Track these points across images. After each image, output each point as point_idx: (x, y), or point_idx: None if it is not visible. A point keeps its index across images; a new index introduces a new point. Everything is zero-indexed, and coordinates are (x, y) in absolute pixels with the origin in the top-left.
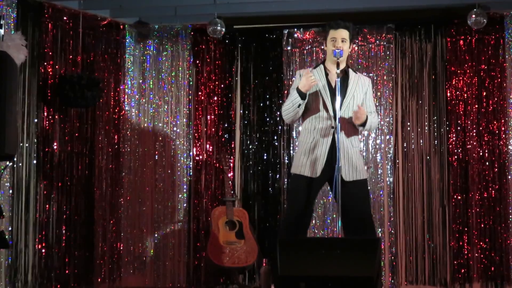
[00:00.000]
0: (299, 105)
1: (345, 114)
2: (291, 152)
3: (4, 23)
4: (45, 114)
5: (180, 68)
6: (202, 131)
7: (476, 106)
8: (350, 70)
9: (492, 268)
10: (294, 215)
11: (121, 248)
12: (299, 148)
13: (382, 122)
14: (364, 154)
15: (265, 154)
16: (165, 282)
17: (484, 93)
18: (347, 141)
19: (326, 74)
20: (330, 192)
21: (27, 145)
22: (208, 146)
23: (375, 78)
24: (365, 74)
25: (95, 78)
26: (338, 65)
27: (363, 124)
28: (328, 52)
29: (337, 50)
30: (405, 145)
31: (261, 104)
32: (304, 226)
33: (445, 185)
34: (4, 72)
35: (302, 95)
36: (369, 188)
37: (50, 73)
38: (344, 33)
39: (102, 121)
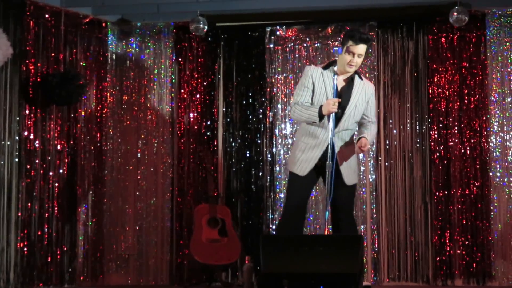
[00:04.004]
0: (313, 122)
1: (346, 122)
2: (274, 150)
3: None
4: (27, 112)
5: (162, 66)
6: (184, 129)
7: (458, 103)
8: (356, 77)
9: (474, 265)
10: (291, 211)
11: (104, 246)
12: (296, 145)
13: None
14: None
15: (248, 152)
16: (148, 280)
17: (466, 91)
18: (344, 147)
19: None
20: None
21: (8, 143)
22: (191, 144)
23: None
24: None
25: (77, 75)
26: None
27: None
28: (341, 60)
29: (336, 48)
30: (387, 142)
31: (244, 102)
32: (301, 222)
33: (427, 182)
34: None
35: (321, 117)
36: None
37: (32, 71)
38: (362, 49)
39: (84, 119)
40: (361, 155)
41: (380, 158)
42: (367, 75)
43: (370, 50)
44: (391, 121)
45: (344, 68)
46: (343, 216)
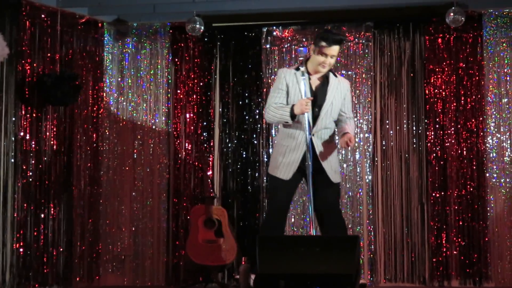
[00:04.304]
0: (286, 121)
1: (323, 120)
2: (270, 150)
3: None
4: (23, 112)
5: (159, 66)
6: (181, 129)
7: (454, 104)
8: (331, 74)
9: (471, 265)
10: (275, 215)
11: (100, 247)
12: (276, 149)
13: (361, 120)
14: (343, 152)
15: (244, 153)
16: (144, 281)
17: (462, 91)
18: (325, 146)
19: (308, 79)
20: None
21: (4, 143)
22: (187, 144)
23: (353, 76)
24: (344, 73)
25: (73, 76)
26: (299, 67)
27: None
28: (314, 61)
29: (301, 49)
30: (383, 143)
31: (240, 102)
32: (284, 224)
33: (423, 183)
34: None
35: (293, 117)
36: (347, 186)
37: (28, 71)
38: (335, 50)
39: (80, 120)
40: (357, 155)
41: (376, 158)
42: (363, 75)
43: (366, 51)
44: (387, 121)
45: (317, 69)
46: (334, 219)
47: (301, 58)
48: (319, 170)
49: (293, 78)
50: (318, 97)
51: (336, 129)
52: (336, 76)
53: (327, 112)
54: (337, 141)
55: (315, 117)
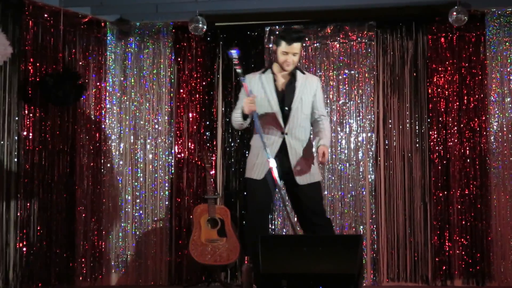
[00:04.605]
0: (241, 123)
1: (295, 118)
2: None
3: None
4: (26, 112)
5: (161, 66)
6: (183, 128)
7: (457, 103)
8: (298, 72)
9: (473, 265)
10: (256, 217)
11: (103, 246)
12: (251, 152)
13: (363, 120)
14: (346, 151)
15: (247, 152)
16: (146, 281)
17: (465, 91)
18: (299, 145)
19: (274, 80)
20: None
21: (8, 143)
22: (190, 144)
23: (356, 75)
24: (347, 72)
25: (76, 76)
26: (236, 65)
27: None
28: (277, 61)
29: (232, 51)
30: (386, 142)
31: None
32: (266, 225)
33: (426, 182)
34: None
35: (244, 116)
36: (349, 186)
37: (31, 71)
38: (296, 48)
39: (83, 119)
40: (360, 154)
41: (379, 158)
42: (366, 75)
43: (369, 50)
44: (390, 121)
45: (281, 69)
46: (316, 220)
47: (235, 61)
48: (288, 170)
49: (257, 82)
50: (286, 96)
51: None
52: (304, 73)
53: (298, 109)
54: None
55: (286, 115)
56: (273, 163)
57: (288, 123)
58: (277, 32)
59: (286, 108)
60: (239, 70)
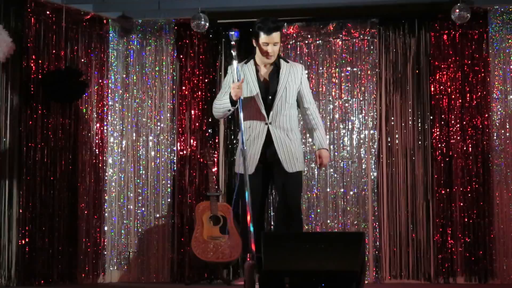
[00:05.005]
0: (229, 109)
1: (278, 107)
2: None
3: None
4: (28, 109)
5: (163, 63)
6: (186, 126)
7: (460, 100)
8: (282, 61)
9: (476, 262)
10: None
11: (105, 243)
12: (239, 146)
13: (366, 117)
14: (348, 148)
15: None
16: (149, 277)
17: (468, 88)
18: (283, 134)
19: (257, 71)
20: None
21: (10, 140)
22: (192, 141)
23: (359, 72)
24: (349, 69)
25: (78, 73)
26: (233, 47)
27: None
28: (258, 53)
29: (232, 32)
30: (389, 139)
31: None
32: (262, 222)
33: (429, 180)
34: None
35: (232, 102)
36: (352, 183)
37: (33, 68)
38: (276, 37)
39: (85, 116)
40: (362, 152)
41: (381, 155)
42: (368, 72)
43: (372, 47)
44: (392, 118)
45: (263, 59)
46: (293, 213)
47: (233, 42)
48: (276, 159)
49: (240, 72)
50: (270, 85)
51: (297, 115)
52: (287, 61)
53: (281, 97)
54: (300, 128)
55: (269, 105)
56: (244, 151)
57: (271, 113)
58: (255, 24)
59: (270, 97)
60: (233, 53)
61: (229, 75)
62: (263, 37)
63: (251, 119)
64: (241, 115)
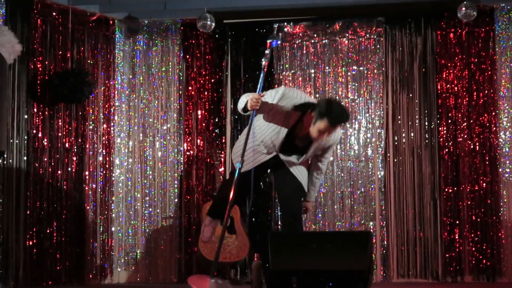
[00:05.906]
0: (242, 113)
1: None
2: None
3: None
4: (35, 110)
5: (170, 63)
6: (192, 126)
7: (467, 99)
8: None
9: (484, 261)
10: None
11: (112, 244)
12: (242, 137)
13: (372, 116)
14: (355, 147)
15: None
16: (156, 278)
17: (475, 86)
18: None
19: (295, 135)
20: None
21: (17, 141)
22: (199, 141)
23: (365, 71)
24: (356, 69)
25: (85, 73)
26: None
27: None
28: (311, 131)
29: (274, 41)
30: (396, 138)
31: None
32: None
33: (436, 178)
34: None
35: (245, 110)
36: (359, 182)
37: (40, 69)
38: (336, 129)
39: (92, 117)
40: (369, 151)
41: (388, 154)
42: (375, 71)
43: (378, 46)
44: (399, 117)
45: (311, 132)
46: (288, 209)
47: (267, 51)
48: (279, 162)
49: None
50: (297, 140)
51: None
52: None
53: (304, 158)
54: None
55: (286, 152)
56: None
57: (284, 153)
58: (327, 102)
59: (289, 152)
60: (263, 62)
61: (279, 95)
62: (324, 124)
63: (270, 134)
64: (254, 124)
